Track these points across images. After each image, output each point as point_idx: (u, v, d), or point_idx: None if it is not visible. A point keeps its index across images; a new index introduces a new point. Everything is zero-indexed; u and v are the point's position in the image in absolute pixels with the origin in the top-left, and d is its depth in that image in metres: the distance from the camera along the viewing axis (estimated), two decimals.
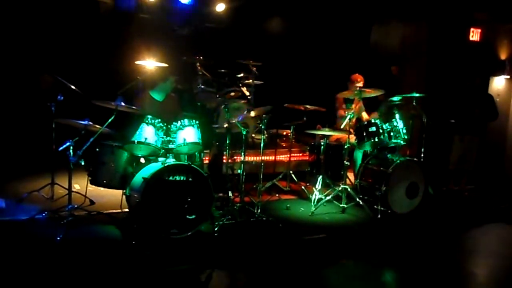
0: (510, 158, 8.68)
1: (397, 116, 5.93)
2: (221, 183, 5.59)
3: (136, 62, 6.35)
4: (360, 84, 6.38)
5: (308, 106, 6.42)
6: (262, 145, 5.65)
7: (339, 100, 6.63)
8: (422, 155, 6.30)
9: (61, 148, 4.48)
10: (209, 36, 8.21)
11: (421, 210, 5.90)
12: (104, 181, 4.88)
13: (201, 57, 6.85)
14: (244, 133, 5.27)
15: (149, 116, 4.74)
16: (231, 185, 5.55)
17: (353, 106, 6.33)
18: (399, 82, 8.23)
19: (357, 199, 5.74)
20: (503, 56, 8.70)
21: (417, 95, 6.09)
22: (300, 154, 7.36)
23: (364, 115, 6.69)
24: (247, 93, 7.08)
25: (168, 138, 4.79)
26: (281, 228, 5.07)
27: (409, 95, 6.11)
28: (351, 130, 5.96)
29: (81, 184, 5.53)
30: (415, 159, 6.10)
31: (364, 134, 5.97)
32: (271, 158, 6.86)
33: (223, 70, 7.38)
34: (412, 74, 8.26)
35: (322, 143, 6.08)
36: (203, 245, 4.50)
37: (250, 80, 7.16)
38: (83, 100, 5.05)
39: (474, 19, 8.36)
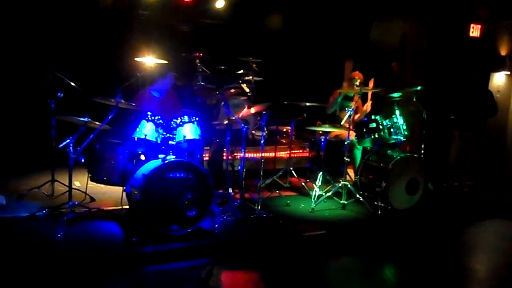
0: (510, 154, 8.68)
1: (397, 112, 5.93)
2: (221, 180, 5.59)
3: (136, 59, 6.35)
4: (358, 82, 6.35)
5: (307, 104, 6.41)
6: (262, 141, 5.65)
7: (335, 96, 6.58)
8: (422, 151, 6.30)
9: (61, 145, 4.48)
10: (209, 32, 8.20)
11: (421, 206, 5.91)
12: (104, 178, 4.87)
13: (201, 54, 6.84)
14: (244, 129, 5.27)
15: (149, 113, 4.74)
16: (231, 182, 5.55)
17: (353, 103, 6.31)
18: (399, 79, 8.22)
19: (357, 195, 5.75)
20: (503, 52, 8.69)
21: (417, 88, 6.08)
22: (300, 151, 7.36)
23: (356, 117, 6.61)
24: (247, 90, 7.08)
25: (168, 135, 4.79)
26: (281, 224, 5.07)
27: (411, 89, 6.10)
28: (351, 127, 5.95)
29: (81, 181, 5.53)
30: (415, 155, 6.10)
31: (364, 130, 5.97)
32: (271, 154, 6.86)
33: (223, 67, 7.38)
34: (412, 70, 8.25)
35: (322, 140, 6.08)
36: (203, 241, 4.50)
37: (250, 77, 7.16)
38: (82, 97, 5.04)
39: (474, 15, 8.35)
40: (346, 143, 5.84)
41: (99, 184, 4.96)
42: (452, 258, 4.80)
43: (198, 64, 6.85)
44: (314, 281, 4.06)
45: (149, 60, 6.24)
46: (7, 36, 6.96)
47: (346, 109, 5.95)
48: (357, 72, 6.51)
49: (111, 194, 5.37)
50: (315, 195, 5.81)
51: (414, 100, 6.25)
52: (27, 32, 7.09)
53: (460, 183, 7.25)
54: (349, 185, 5.78)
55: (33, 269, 3.75)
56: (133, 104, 4.92)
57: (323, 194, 5.83)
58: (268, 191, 6.14)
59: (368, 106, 6.45)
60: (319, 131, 6.28)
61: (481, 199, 6.82)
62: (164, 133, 4.79)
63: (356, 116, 6.42)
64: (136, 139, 4.67)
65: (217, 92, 6.58)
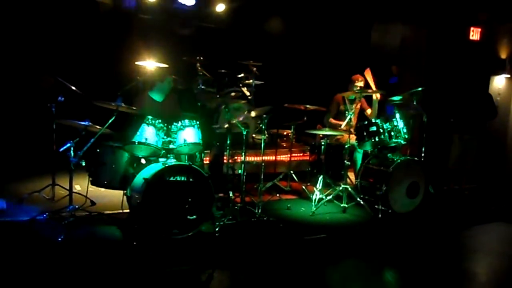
0: (511, 157, 8.67)
1: (397, 115, 5.94)
2: (222, 183, 5.59)
3: (136, 63, 6.35)
4: (361, 84, 6.37)
5: (308, 106, 6.42)
6: (262, 145, 5.65)
7: (336, 101, 6.58)
8: (422, 155, 6.30)
9: (61, 149, 4.49)
10: (209, 36, 8.21)
11: (421, 210, 5.90)
12: (105, 182, 4.88)
13: (201, 58, 6.85)
14: (245, 133, 5.27)
15: (150, 117, 4.74)
16: (232, 185, 5.55)
17: (354, 106, 6.32)
18: (399, 82, 8.23)
19: (358, 199, 5.74)
20: (503, 55, 8.69)
21: (418, 89, 6.08)
22: (301, 154, 7.36)
23: (368, 111, 6.64)
24: (248, 93, 7.08)
25: (169, 139, 4.79)
26: (282, 228, 5.07)
27: (411, 91, 6.10)
28: (352, 130, 5.96)
29: (82, 185, 5.53)
30: (415, 158, 6.10)
31: (365, 133, 5.97)
32: (272, 158, 6.86)
33: (223, 70, 7.37)
34: (412, 74, 8.26)
35: (323, 143, 6.08)
36: (204, 245, 4.50)
37: (251, 80, 7.15)
38: (83, 100, 5.05)
39: (474, 18, 8.36)
40: (346, 146, 5.84)
41: (99, 188, 4.96)
42: (453, 262, 4.79)
43: (199, 68, 6.84)
44: (314, 285, 4.05)
45: (150, 64, 6.24)
46: (8, 40, 6.97)
47: (347, 112, 5.95)
48: (358, 75, 6.52)
49: (111, 198, 5.37)
50: (315, 199, 5.81)
51: (414, 103, 6.26)
52: (28, 36, 7.10)
53: (460, 186, 7.24)
54: (349, 189, 5.78)
55: (33, 273, 3.74)
56: (134, 108, 4.93)
57: (324, 197, 5.83)
58: (269, 194, 6.14)
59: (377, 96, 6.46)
60: (319, 134, 6.28)
61: (482, 203, 6.81)
62: (165, 137, 4.79)
63: (368, 112, 6.46)
64: (136, 143, 4.67)
65: (218, 96, 6.59)
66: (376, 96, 6.44)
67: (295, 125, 6.60)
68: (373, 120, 5.96)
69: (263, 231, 4.97)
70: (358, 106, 6.54)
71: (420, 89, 6.07)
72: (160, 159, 4.80)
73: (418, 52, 8.31)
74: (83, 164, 4.59)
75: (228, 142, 5.41)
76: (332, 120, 6.52)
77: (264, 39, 8.45)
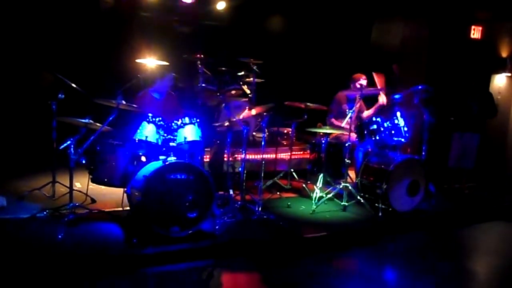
0: (511, 155, 8.67)
1: (398, 114, 5.93)
2: (222, 181, 5.59)
3: (137, 60, 6.35)
4: (364, 83, 6.36)
5: (309, 104, 6.41)
6: (263, 143, 5.65)
7: (337, 100, 6.57)
8: (423, 153, 6.30)
9: (62, 146, 4.49)
10: (210, 34, 8.21)
11: (421, 208, 5.90)
12: (105, 179, 4.87)
13: (202, 55, 6.85)
14: (245, 131, 5.27)
15: (150, 114, 4.74)
16: (232, 183, 5.55)
17: (355, 105, 6.31)
18: (400, 80, 8.22)
19: (358, 197, 5.74)
20: (504, 54, 8.68)
21: (421, 87, 6.07)
22: (301, 152, 7.36)
23: (364, 114, 6.66)
24: (248, 91, 7.08)
25: (169, 136, 4.79)
26: (282, 226, 5.07)
27: (414, 89, 6.10)
28: (352, 128, 5.95)
29: (82, 182, 5.53)
30: (416, 157, 6.10)
31: (365, 132, 5.97)
32: (272, 156, 6.86)
33: (224, 68, 7.38)
34: (412, 72, 8.24)
35: (323, 141, 6.08)
36: (204, 243, 4.49)
37: (251, 78, 7.16)
38: (84, 98, 5.05)
39: (475, 17, 8.35)
40: (347, 144, 5.84)
41: (100, 186, 4.96)
42: (453, 260, 4.80)
43: (199, 66, 6.85)
44: (315, 283, 4.05)
45: (150, 62, 6.24)
46: (8, 37, 6.97)
47: (347, 111, 5.95)
48: (359, 73, 6.51)
49: (111, 196, 5.37)
50: (316, 197, 5.81)
51: (415, 101, 6.26)
52: (28, 33, 7.10)
53: (461, 185, 7.25)
54: (350, 187, 5.78)
55: (33, 271, 3.74)
56: (134, 105, 4.93)
57: (324, 195, 5.83)
58: (269, 192, 6.14)
59: (383, 100, 6.47)
60: (320, 132, 6.28)
61: (482, 201, 6.81)
62: (165, 135, 4.79)
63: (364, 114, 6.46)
64: (137, 141, 4.66)
65: (218, 94, 6.59)
66: (382, 100, 6.45)
67: (296, 123, 6.60)
68: (374, 118, 5.96)
69: (263, 229, 4.97)
70: (358, 105, 6.52)
71: (420, 87, 6.07)
72: (160, 157, 4.80)
73: (419, 51, 8.30)
74: (83, 161, 4.59)
75: (229, 140, 5.41)
76: (334, 121, 6.49)
77: (264, 37, 8.45)
